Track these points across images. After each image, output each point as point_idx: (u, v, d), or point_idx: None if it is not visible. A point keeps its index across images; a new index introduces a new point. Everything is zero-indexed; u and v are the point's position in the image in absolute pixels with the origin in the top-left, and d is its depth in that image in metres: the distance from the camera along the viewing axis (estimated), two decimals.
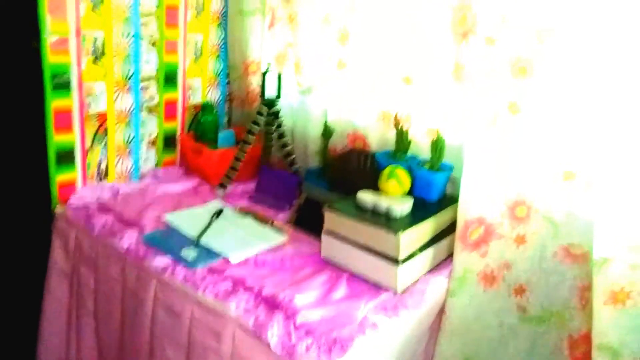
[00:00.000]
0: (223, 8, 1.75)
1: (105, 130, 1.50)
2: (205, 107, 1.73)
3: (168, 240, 1.23)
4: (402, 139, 1.36)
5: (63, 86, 1.36)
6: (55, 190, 1.41)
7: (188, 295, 1.07)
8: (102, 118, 1.48)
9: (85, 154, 1.46)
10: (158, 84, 1.61)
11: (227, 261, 1.16)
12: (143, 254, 1.18)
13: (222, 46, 1.79)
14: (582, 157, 1.07)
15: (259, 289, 1.05)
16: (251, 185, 1.62)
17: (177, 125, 1.70)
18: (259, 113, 1.55)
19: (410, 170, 1.30)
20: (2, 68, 1.28)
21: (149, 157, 1.65)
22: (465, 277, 1.16)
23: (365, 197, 1.20)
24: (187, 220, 1.34)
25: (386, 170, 1.28)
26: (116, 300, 1.24)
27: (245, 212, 1.43)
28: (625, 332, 1.00)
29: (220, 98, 1.85)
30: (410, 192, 1.28)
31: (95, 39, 1.41)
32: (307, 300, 1.02)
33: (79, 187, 1.46)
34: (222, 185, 1.56)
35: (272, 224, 1.36)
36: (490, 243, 1.15)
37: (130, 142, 1.58)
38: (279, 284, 1.08)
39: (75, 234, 1.34)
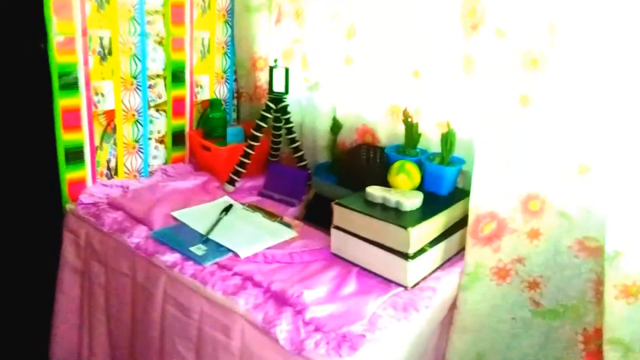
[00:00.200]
0: (229, 5, 1.75)
1: (114, 128, 1.50)
2: (213, 104, 1.73)
3: (177, 237, 1.23)
4: (411, 133, 1.34)
5: (70, 85, 1.37)
6: (65, 188, 1.42)
7: (197, 291, 1.07)
8: (110, 116, 1.49)
9: (94, 151, 1.47)
10: (165, 81, 1.61)
11: (236, 257, 1.16)
12: (152, 250, 1.18)
13: (229, 43, 1.79)
14: (597, 150, 1.05)
15: (268, 285, 1.04)
16: (260, 181, 1.62)
17: (185, 122, 1.70)
18: (267, 109, 1.54)
19: (420, 165, 1.29)
20: (10, 69, 1.29)
21: (158, 154, 1.66)
22: (477, 272, 1.14)
23: (375, 191, 1.19)
24: (196, 216, 1.34)
25: (395, 165, 1.27)
26: (126, 296, 1.24)
27: (254, 207, 1.42)
28: (637, 326, 0.98)
29: (228, 94, 1.85)
30: (420, 187, 1.27)
31: (102, 38, 1.41)
32: (317, 295, 1.02)
33: (89, 184, 1.47)
34: (231, 181, 1.56)
35: (281, 219, 1.36)
36: (502, 238, 1.14)
37: (139, 140, 1.58)
38: (288, 279, 1.07)
39: (86, 230, 1.35)
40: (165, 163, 1.69)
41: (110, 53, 1.44)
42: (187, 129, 1.72)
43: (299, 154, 1.61)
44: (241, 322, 0.99)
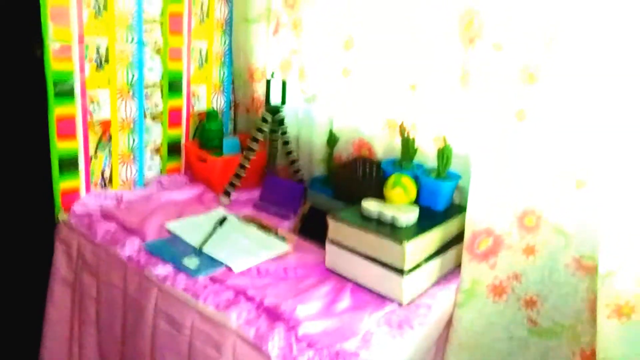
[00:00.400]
0: (227, 15, 1.75)
1: (109, 137, 1.49)
2: (209, 114, 1.72)
3: (170, 249, 1.21)
4: (408, 147, 1.34)
5: (66, 93, 1.36)
6: (58, 198, 1.40)
7: (189, 304, 1.05)
8: (105, 125, 1.47)
9: (88, 161, 1.45)
10: (162, 91, 1.60)
11: (229, 270, 1.14)
12: (144, 262, 1.16)
13: (227, 53, 1.79)
14: (593, 166, 1.04)
15: (260, 299, 1.03)
16: (256, 193, 1.61)
17: (181, 132, 1.69)
18: (264, 120, 1.53)
19: (416, 179, 1.28)
20: (5, 76, 1.28)
21: (153, 165, 1.64)
22: (474, 289, 1.13)
23: (370, 205, 1.18)
24: (190, 228, 1.32)
25: (391, 179, 1.26)
26: (117, 309, 1.22)
27: (249, 220, 1.41)
28: (630, 346, 0.97)
29: (225, 105, 1.84)
30: (416, 201, 1.26)
31: (99, 46, 1.41)
32: (310, 311, 1.00)
33: (83, 194, 1.45)
34: (227, 193, 1.55)
35: (276, 232, 1.34)
36: (499, 254, 1.13)
37: (134, 149, 1.57)
38: (282, 294, 1.06)
39: (78, 241, 1.33)
40: (161, 173, 1.67)
41: (107, 61, 1.43)
42: (183, 140, 1.71)
43: (295, 166, 1.60)
44: (233, 338, 0.97)
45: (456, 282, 1.16)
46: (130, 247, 1.22)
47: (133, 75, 1.51)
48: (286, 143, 1.58)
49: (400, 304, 1.06)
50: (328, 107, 1.58)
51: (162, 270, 1.13)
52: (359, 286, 1.11)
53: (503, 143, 1.09)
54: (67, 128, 1.38)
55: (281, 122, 1.55)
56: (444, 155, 1.26)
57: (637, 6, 0.92)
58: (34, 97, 1.32)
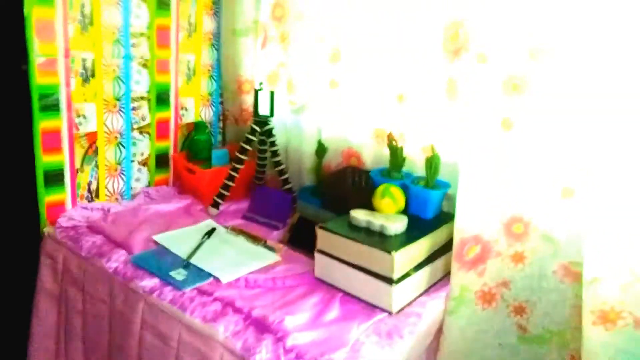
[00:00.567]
0: (215, 28, 1.75)
1: (96, 151, 1.48)
2: (198, 126, 1.72)
3: (157, 261, 1.20)
4: (396, 157, 1.34)
5: (51, 107, 1.35)
6: (43, 211, 1.39)
7: (176, 317, 1.04)
8: (92, 138, 1.47)
9: (74, 174, 1.44)
10: (149, 104, 1.60)
11: (217, 282, 1.13)
12: (131, 275, 1.15)
13: (215, 66, 1.79)
14: (580, 173, 1.05)
15: (248, 311, 1.02)
16: (245, 204, 1.60)
17: (169, 144, 1.69)
18: (252, 132, 1.53)
19: (405, 188, 1.28)
20: None
21: (141, 177, 1.63)
22: (463, 297, 1.12)
23: (359, 215, 1.18)
24: (178, 240, 1.31)
25: (380, 188, 1.26)
26: (104, 322, 1.20)
27: (237, 231, 1.40)
28: (615, 353, 0.97)
29: (214, 117, 1.84)
30: (405, 210, 1.26)
31: (85, 60, 1.40)
32: (298, 322, 0.99)
33: (69, 207, 1.44)
34: (215, 205, 1.54)
35: (264, 243, 1.34)
36: (487, 262, 1.12)
37: (121, 162, 1.56)
38: (270, 305, 1.05)
39: (64, 254, 1.31)
40: (149, 186, 1.66)
41: (93, 75, 1.43)
42: (171, 152, 1.70)
43: (284, 177, 1.60)
44: (220, 350, 0.96)
45: (446, 290, 1.15)
46: (117, 260, 1.20)
47: (120, 89, 1.51)
48: (275, 154, 1.58)
49: (389, 313, 1.05)
50: (316, 117, 1.59)
51: (149, 282, 1.12)
52: (348, 296, 1.11)
53: (490, 152, 1.09)
54: (53, 141, 1.37)
55: (270, 132, 1.55)
56: (432, 164, 1.26)
57: (621, 16, 0.93)
58: (19, 111, 1.32)
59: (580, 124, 1.02)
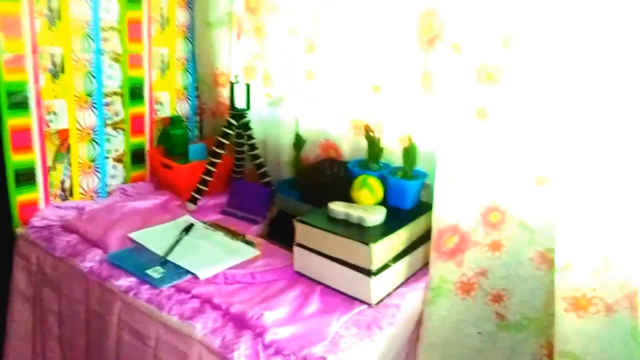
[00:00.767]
0: (189, 21, 1.72)
1: (68, 148, 1.45)
2: (173, 120, 1.69)
3: (134, 259, 1.18)
4: (373, 148, 1.33)
5: (20, 104, 1.31)
6: (15, 211, 1.36)
7: (153, 316, 1.02)
8: (63, 135, 1.43)
9: (46, 172, 1.41)
10: (123, 99, 1.57)
11: (195, 278, 1.12)
12: (107, 274, 1.13)
13: (190, 59, 1.76)
14: (554, 162, 1.05)
15: (226, 307, 1.01)
16: (223, 199, 1.58)
17: (145, 139, 1.66)
18: (228, 125, 1.51)
19: (382, 179, 1.28)
20: None
21: (116, 174, 1.61)
22: (441, 287, 1.13)
23: (337, 207, 1.17)
24: (155, 237, 1.29)
25: (358, 180, 1.26)
26: (80, 323, 1.19)
27: (215, 226, 1.39)
28: (588, 339, 0.98)
29: (190, 111, 1.81)
30: (384, 201, 1.26)
31: (53, 56, 1.37)
32: (278, 316, 0.99)
33: (41, 207, 1.41)
34: (193, 200, 1.52)
35: (243, 238, 1.33)
36: (466, 252, 1.13)
37: (95, 159, 1.53)
38: (249, 300, 1.04)
39: (37, 255, 1.28)
40: (125, 182, 1.63)
41: (62, 71, 1.39)
42: (147, 147, 1.67)
43: (263, 170, 1.59)
44: (198, 348, 0.95)
45: (425, 281, 1.16)
46: (92, 259, 1.18)
47: (91, 84, 1.47)
48: (252, 147, 1.56)
49: (369, 305, 1.05)
50: (293, 109, 1.57)
51: (125, 281, 1.10)
52: (327, 289, 1.10)
53: (465, 142, 1.09)
54: (23, 139, 1.34)
55: (247, 126, 1.53)
56: (409, 154, 1.26)
57: (594, 4, 0.93)
58: None
59: (554, 113, 1.03)
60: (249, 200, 1.51)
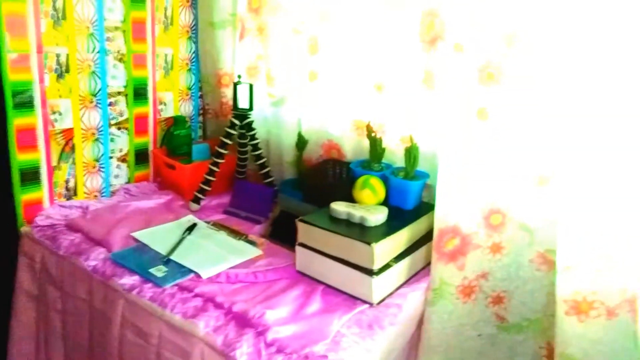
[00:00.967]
0: (192, 21, 1.73)
1: (73, 148, 1.46)
2: (177, 120, 1.70)
3: (137, 258, 1.19)
4: (375, 148, 1.34)
5: (25, 104, 1.32)
6: (20, 210, 1.37)
7: (156, 314, 1.03)
8: (68, 135, 1.44)
9: (51, 172, 1.42)
10: (127, 99, 1.58)
11: (198, 277, 1.13)
12: (110, 272, 1.14)
13: (193, 59, 1.77)
14: (555, 162, 1.05)
15: (229, 306, 1.02)
16: (226, 199, 1.59)
17: (149, 139, 1.67)
18: (231, 125, 1.52)
19: (384, 179, 1.28)
20: None
21: (120, 174, 1.61)
22: (443, 289, 1.13)
23: (339, 207, 1.18)
24: (158, 236, 1.30)
25: (360, 180, 1.26)
26: (84, 321, 1.19)
27: (219, 226, 1.40)
28: (589, 343, 0.98)
29: (194, 111, 1.82)
30: (385, 201, 1.26)
31: (59, 55, 1.38)
32: (279, 315, 0.99)
33: (46, 206, 1.42)
34: (196, 200, 1.53)
35: (246, 237, 1.33)
36: (467, 255, 1.12)
37: (99, 159, 1.54)
38: (251, 299, 1.05)
39: (42, 254, 1.29)
40: (128, 182, 1.64)
41: (67, 70, 1.40)
42: (150, 147, 1.68)
43: (265, 170, 1.59)
44: (201, 346, 0.96)
45: (426, 281, 1.16)
46: (95, 258, 1.19)
47: (96, 84, 1.48)
48: (255, 147, 1.57)
49: (370, 305, 1.06)
50: (296, 110, 1.58)
51: (128, 280, 1.11)
52: (329, 288, 1.11)
53: (466, 142, 1.09)
54: (28, 139, 1.35)
55: (250, 126, 1.54)
56: (411, 154, 1.26)
57: (595, 6, 0.93)
58: None
59: (555, 113, 1.03)
60: (251, 200, 1.52)
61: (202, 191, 1.53)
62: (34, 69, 1.33)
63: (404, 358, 1.14)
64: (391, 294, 1.11)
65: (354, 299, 1.07)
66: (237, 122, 1.52)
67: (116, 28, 1.51)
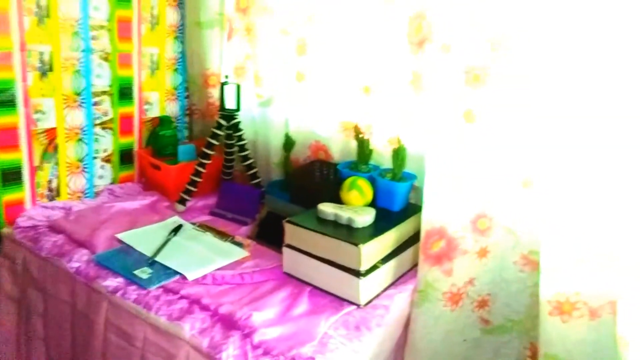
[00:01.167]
0: (179, 21, 1.72)
1: (56, 147, 1.44)
2: (163, 121, 1.68)
3: (121, 260, 1.17)
4: (363, 149, 1.34)
5: (7, 103, 1.30)
6: (1, 211, 1.34)
7: (141, 317, 1.01)
8: (51, 135, 1.42)
9: (33, 172, 1.40)
10: (112, 98, 1.56)
11: (183, 279, 1.11)
12: (94, 274, 1.12)
13: (180, 59, 1.75)
14: (540, 163, 1.06)
15: (215, 308, 1.01)
16: (212, 200, 1.58)
17: (134, 140, 1.65)
18: (218, 126, 1.51)
19: (372, 181, 1.28)
20: None
21: (104, 174, 1.59)
22: (427, 292, 1.12)
23: (326, 208, 1.17)
24: (143, 238, 1.28)
25: (347, 181, 1.26)
26: (67, 324, 1.17)
27: (204, 227, 1.38)
28: (572, 344, 0.99)
29: (180, 111, 1.81)
30: (373, 203, 1.26)
31: (42, 54, 1.36)
32: (266, 317, 0.98)
33: (28, 206, 1.39)
34: (182, 201, 1.51)
35: (232, 239, 1.32)
36: (454, 260, 1.11)
37: (83, 159, 1.52)
38: (238, 301, 1.04)
39: (23, 255, 1.27)
40: (113, 183, 1.62)
41: (51, 69, 1.38)
42: (135, 147, 1.66)
43: (252, 171, 1.58)
44: (186, 349, 0.94)
45: (413, 283, 1.16)
46: (78, 260, 1.17)
47: (80, 83, 1.46)
48: (242, 148, 1.56)
49: (358, 306, 1.05)
50: (284, 111, 1.57)
51: (112, 282, 1.09)
52: (317, 290, 1.10)
53: (453, 144, 1.10)
54: (10, 138, 1.33)
55: (237, 127, 1.53)
56: (398, 156, 1.26)
57: (581, 8, 0.94)
58: None
59: (540, 114, 1.04)
60: (238, 202, 1.51)
61: (188, 192, 1.51)
62: (17, 67, 1.31)
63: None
64: (378, 295, 1.11)
65: (341, 300, 1.07)
66: (224, 122, 1.51)
67: (101, 27, 1.49)
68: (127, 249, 1.23)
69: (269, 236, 1.32)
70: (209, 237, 1.33)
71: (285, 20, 1.50)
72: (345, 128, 1.45)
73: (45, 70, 1.37)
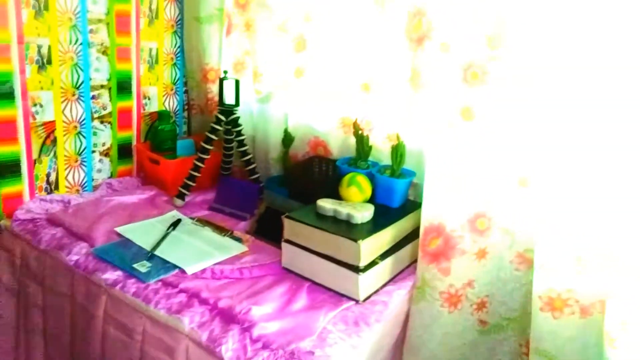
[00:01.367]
0: (178, 15, 1.71)
1: (54, 141, 1.43)
2: (162, 115, 1.68)
3: (120, 253, 1.17)
4: (362, 145, 1.34)
5: (5, 95, 1.30)
6: None
7: (140, 310, 1.02)
8: (49, 128, 1.42)
9: (32, 165, 1.39)
10: (110, 92, 1.56)
11: (182, 273, 1.11)
12: (93, 268, 1.12)
13: (178, 54, 1.75)
14: (537, 162, 1.06)
15: (214, 302, 1.01)
16: (211, 195, 1.58)
17: (132, 134, 1.65)
18: (217, 121, 1.51)
19: (371, 177, 1.29)
20: None
21: (103, 168, 1.59)
22: (424, 289, 1.13)
23: (326, 204, 1.18)
24: (142, 232, 1.28)
25: (346, 177, 1.26)
26: (65, 317, 1.17)
27: (203, 222, 1.38)
28: (563, 340, 0.99)
29: (179, 106, 1.80)
30: (372, 199, 1.26)
31: (40, 47, 1.35)
32: (265, 311, 0.99)
33: (26, 199, 1.39)
34: (181, 195, 1.51)
35: (231, 233, 1.32)
36: (452, 260, 1.11)
37: (81, 153, 1.51)
38: (237, 295, 1.04)
39: (22, 248, 1.27)
40: (111, 177, 1.62)
41: (49, 62, 1.38)
42: (134, 142, 1.66)
43: (251, 167, 1.59)
44: (186, 342, 0.95)
45: (411, 280, 1.17)
46: (77, 253, 1.17)
47: (78, 76, 1.46)
48: (241, 143, 1.56)
49: (356, 302, 1.06)
50: (283, 106, 1.57)
51: (112, 275, 1.09)
52: (315, 285, 1.11)
53: (452, 141, 1.10)
54: (8, 131, 1.32)
55: (235, 122, 1.53)
56: (397, 152, 1.27)
57: (580, 6, 0.95)
58: None
59: (537, 113, 1.04)
60: (237, 197, 1.51)
61: (186, 187, 1.51)
62: (15, 59, 1.30)
63: (391, 357, 1.14)
64: (377, 291, 1.11)
65: (340, 296, 1.07)
66: (222, 117, 1.51)
67: (100, 20, 1.48)
68: (126, 243, 1.23)
69: (268, 231, 1.32)
70: (207, 231, 1.33)
71: (284, 17, 1.50)
72: (344, 124, 1.46)
73: (44, 63, 1.37)
